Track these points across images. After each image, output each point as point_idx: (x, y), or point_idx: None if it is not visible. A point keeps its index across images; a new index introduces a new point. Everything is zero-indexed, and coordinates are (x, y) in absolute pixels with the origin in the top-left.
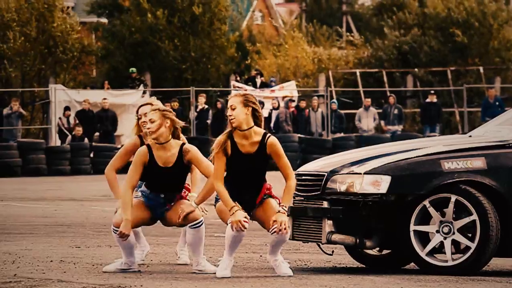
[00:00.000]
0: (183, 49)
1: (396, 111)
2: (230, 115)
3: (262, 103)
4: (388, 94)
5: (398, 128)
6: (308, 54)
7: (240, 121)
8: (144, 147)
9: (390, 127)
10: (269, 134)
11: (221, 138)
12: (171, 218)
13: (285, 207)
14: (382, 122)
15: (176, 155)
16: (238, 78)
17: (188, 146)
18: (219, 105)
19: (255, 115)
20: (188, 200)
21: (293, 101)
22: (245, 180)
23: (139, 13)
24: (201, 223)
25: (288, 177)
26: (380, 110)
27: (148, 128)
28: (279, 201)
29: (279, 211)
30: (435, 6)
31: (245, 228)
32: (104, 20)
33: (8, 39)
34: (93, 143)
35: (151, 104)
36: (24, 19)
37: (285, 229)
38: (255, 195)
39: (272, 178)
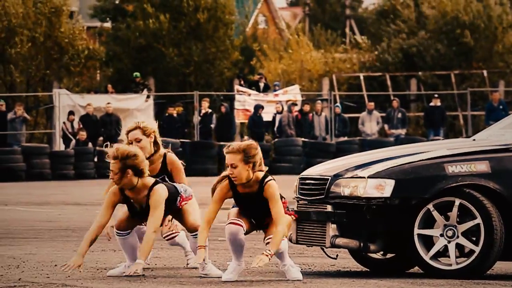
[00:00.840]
0: (186, 54)
1: (399, 115)
2: (231, 174)
3: (262, 107)
4: (392, 98)
5: (402, 131)
6: (314, 58)
7: (242, 179)
8: (116, 187)
9: (394, 130)
10: (268, 178)
11: (223, 187)
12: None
13: (270, 251)
14: (386, 126)
15: (145, 198)
16: (242, 82)
17: (154, 188)
18: (223, 109)
19: (255, 163)
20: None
21: (296, 105)
22: (252, 212)
23: (142, 18)
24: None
25: (278, 222)
26: (384, 114)
27: (111, 178)
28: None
29: (263, 253)
30: (442, 8)
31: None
32: (107, 24)
33: (15, 44)
34: (97, 148)
35: (140, 128)
36: (31, 24)
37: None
38: (264, 219)
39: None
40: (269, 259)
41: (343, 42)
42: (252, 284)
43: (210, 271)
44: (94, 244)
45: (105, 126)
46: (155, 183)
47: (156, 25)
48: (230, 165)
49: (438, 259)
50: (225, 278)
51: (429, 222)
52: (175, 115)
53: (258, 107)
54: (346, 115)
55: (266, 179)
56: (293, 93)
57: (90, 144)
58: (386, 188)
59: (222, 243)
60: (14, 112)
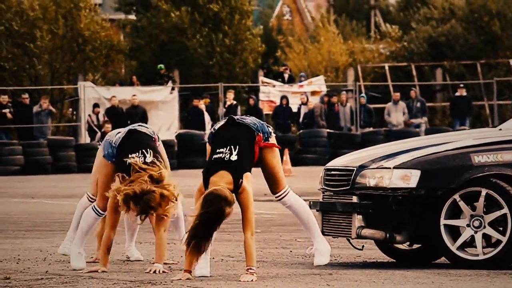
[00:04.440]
0: (207, 45)
1: (418, 104)
2: None
3: (286, 98)
4: (412, 88)
5: (422, 120)
6: (342, 48)
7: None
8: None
9: (414, 120)
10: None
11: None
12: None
13: (252, 268)
14: (406, 116)
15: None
16: (265, 72)
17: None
18: (251, 101)
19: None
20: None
21: (329, 96)
22: None
23: (163, 13)
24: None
25: (246, 229)
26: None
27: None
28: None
29: (246, 273)
30: None
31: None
32: (132, 17)
33: (35, 38)
34: None
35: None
36: (51, 18)
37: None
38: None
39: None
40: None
41: (368, 32)
42: (278, 276)
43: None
44: (120, 236)
45: (130, 118)
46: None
47: (176, 19)
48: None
49: (465, 249)
50: (199, 273)
51: (455, 212)
52: (200, 107)
53: (282, 98)
54: (372, 106)
55: (242, 185)
56: (318, 84)
57: None
58: (412, 178)
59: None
60: (39, 105)
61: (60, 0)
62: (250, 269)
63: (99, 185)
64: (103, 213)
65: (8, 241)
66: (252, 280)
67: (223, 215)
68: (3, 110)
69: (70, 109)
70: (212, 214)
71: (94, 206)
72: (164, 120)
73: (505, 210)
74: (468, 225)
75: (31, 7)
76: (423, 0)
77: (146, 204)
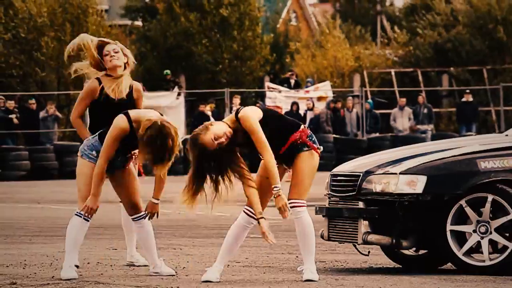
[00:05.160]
0: (214, 51)
1: (425, 111)
2: (222, 142)
3: (296, 104)
4: (419, 93)
5: (428, 127)
6: (348, 53)
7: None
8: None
9: (420, 126)
10: (241, 108)
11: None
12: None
13: (277, 187)
14: (413, 122)
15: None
16: (272, 78)
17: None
18: (258, 106)
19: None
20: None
21: (334, 101)
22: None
23: (171, 18)
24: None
25: (262, 154)
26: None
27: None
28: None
29: (276, 196)
30: (474, 3)
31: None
32: (138, 23)
33: (41, 46)
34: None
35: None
36: (58, 24)
37: (285, 210)
38: (278, 149)
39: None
40: (282, 197)
41: (374, 38)
42: (284, 281)
43: (161, 269)
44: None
45: None
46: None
47: (185, 24)
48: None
49: (471, 255)
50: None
51: (461, 218)
52: (207, 112)
53: (293, 104)
54: (378, 111)
55: (239, 114)
56: (324, 89)
57: None
58: (418, 184)
59: (255, 240)
60: (46, 110)
61: (68, 6)
62: (275, 187)
63: (82, 187)
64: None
65: (15, 246)
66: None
67: (204, 151)
68: (10, 116)
69: None
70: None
71: (77, 211)
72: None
73: None
74: (474, 231)
75: (39, 14)
76: (428, 6)
77: (163, 146)
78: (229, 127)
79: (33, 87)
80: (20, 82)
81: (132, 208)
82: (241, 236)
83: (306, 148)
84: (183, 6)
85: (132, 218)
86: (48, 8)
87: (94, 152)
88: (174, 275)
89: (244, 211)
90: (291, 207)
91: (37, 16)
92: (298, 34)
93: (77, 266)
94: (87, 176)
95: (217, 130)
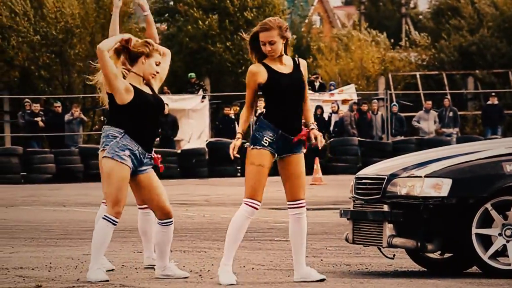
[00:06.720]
0: (237, 53)
1: (451, 114)
2: (269, 50)
3: (321, 108)
4: (445, 96)
5: (453, 130)
6: (374, 56)
7: (278, 53)
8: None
9: (445, 129)
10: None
11: (252, 68)
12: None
13: (314, 124)
14: (438, 125)
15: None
16: None
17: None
18: None
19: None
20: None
21: (358, 104)
22: (288, 104)
23: (193, 21)
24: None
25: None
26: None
27: None
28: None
29: (312, 128)
30: (500, 6)
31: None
32: (163, 25)
33: (74, 45)
34: (153, 148)
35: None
36: (90, 28)
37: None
38: (296, 128)
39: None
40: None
41: (399, 41)
42: (309, 284)
43: (173, 271)
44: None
45: (161, 126)
46: None
47: (206, 27)
48: (268, 42)
49: (497, 258)
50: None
51: (487, 221)
52: (231, 115)
53: (317, 108)
54: (403, 114)
55: (297, 57)
56: (349, 92)
57: None
58: (443, 187)
59: (279, 243)
60: (71, 113)
61: (101, 11)
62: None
63: (113, 191)
64: (117, 221)
65: (40, 249)
66: None
67: None
68: (35, 119)
69: (102, 118)
70: None
71: (105, 215)
72: (195, 128)
73: None
74: (500, 234)
75: (71, 15)
76: (455, 8)
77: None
78: None
79: (59, 89)
80: (47, 84)
81: (162, 212)
82: (243, 227)
83: (304, 150)
84: (205, 9)
85: (160, 223)
86: (81, 10)
87: (126, 152)
88: (187, 277)
89: (245, 203)
90: (301, 207)
91: (69, 17)
92: (322, 36)
93: (111, 270)
94: (118, 179)
95: None
